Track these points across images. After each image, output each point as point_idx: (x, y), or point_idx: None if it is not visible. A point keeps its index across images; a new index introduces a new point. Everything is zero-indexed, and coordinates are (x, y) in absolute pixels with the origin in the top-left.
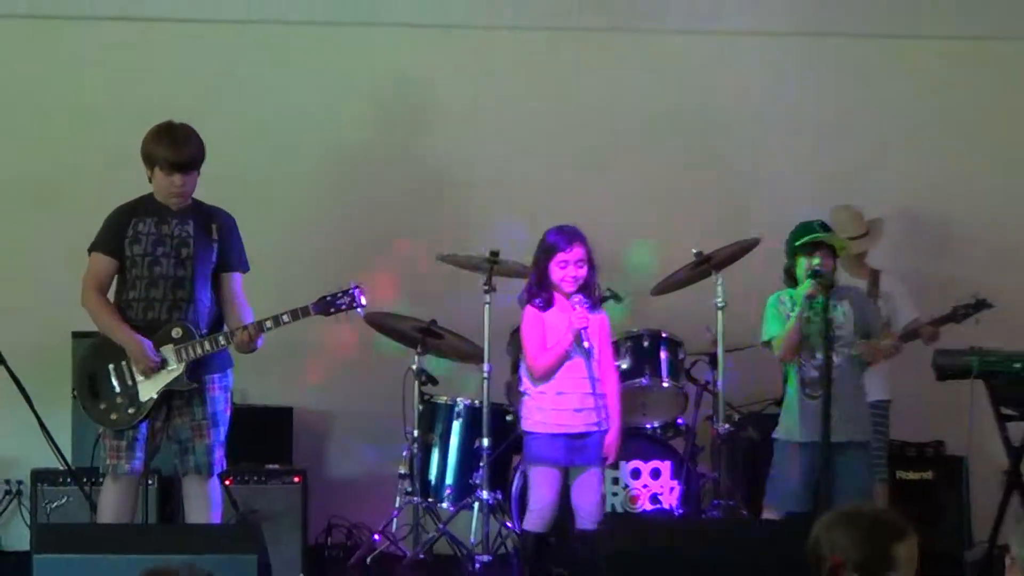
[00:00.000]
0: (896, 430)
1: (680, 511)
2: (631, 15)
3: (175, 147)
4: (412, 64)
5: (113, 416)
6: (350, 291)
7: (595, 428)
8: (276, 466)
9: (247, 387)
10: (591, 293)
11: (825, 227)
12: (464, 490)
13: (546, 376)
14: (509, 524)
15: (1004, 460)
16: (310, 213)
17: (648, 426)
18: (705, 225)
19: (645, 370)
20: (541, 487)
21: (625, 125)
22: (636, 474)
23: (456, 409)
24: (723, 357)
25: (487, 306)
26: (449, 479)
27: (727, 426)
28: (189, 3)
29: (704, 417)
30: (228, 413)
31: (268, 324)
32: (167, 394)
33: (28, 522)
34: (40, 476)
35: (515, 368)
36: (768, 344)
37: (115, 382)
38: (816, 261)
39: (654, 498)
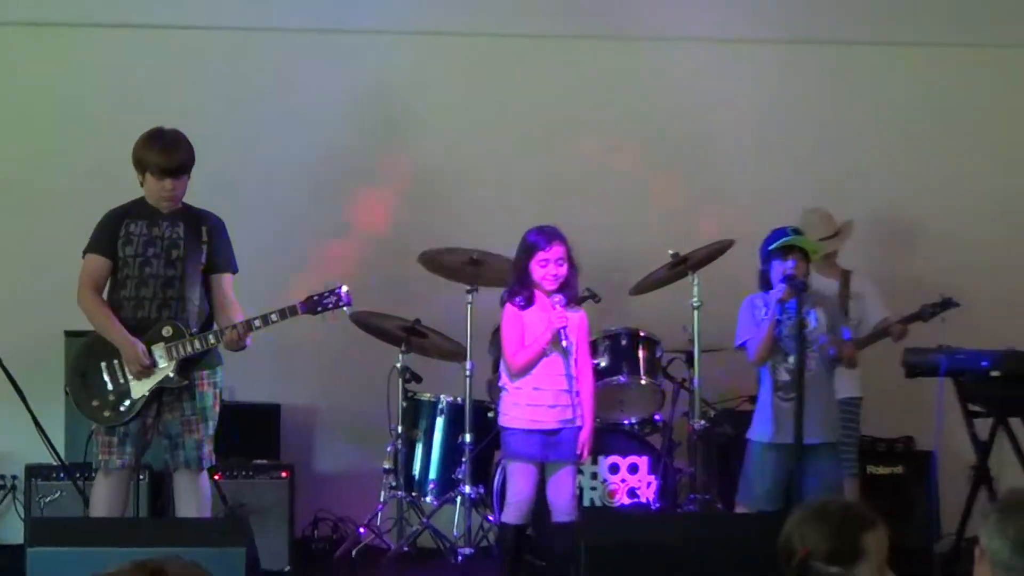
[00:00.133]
0: (867, 426)
1: (657, 505)
2: (612, 23)
3: (165, 153)
4: (394, 70)
5: (105, 413)
6: (336, 290)
7: (569, 425)
8: (264, 461)
9: (236, 385)
10: (571, 292)
11: (797, 232)
12: (447, 485)
13: (523, 372)
14: (491, 518)
15: (971, 455)
16: (297, 216)
17: (626, 422)
18: (682, 226)
19: (623, 367)
20: (518, 482)
21: (607, 130)
22: (614, 469)
23: (439, 406)
24: (699, 355)
25: (469, 306)
26: (432, 474)
27: (703, 422)
28: (181, 10)
29: (680, 413)
30: (217, 409)
31: (257, 323)
32: (158, 391)
33: (22, 516)
34: (34, 471)
35: (496, 366)
36: (742, 347)
37: (107, 380)
38: (790, 265)
39: (632, 492)
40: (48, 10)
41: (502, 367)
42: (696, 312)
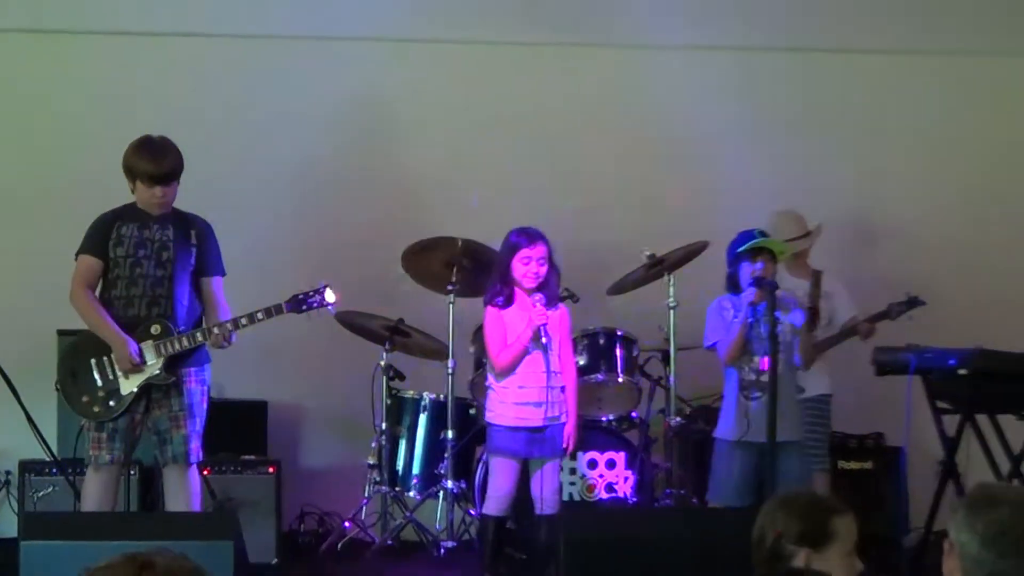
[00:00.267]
0: (838, 423)
1: (634, 499)
2: (600, 32)
3: (155, 161)
4: (385, 77)
5: (95, 409)
6: (321, 290)
7: (554, 422)
8: (252, 457)
9: (224, 382)
10: (550, 292)
11: (764, 234)
12: (430, 480)
13: (508, 371)
14: (473, 512)
15: (939, 451)
16: (284, 219)
17: (604, 419)
18: (658, 229)
19: (601, 366)
20: (500, 476)
21: (586, 136)
22: (593, 464)
23: (422, 403)
24: (675, 354)
25: (451, 306)
26: (416, 469)
27: (679, 419)
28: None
29: (657, 410)
30: (205, 406)
31: (243, 321)
32: (146, 387)
33: (16, 510)
34: (27, 467)
35: (478, 364)
36: (712, 348)
37: (97, 376)
38: (758, 267)
39: (609, 487)
40: (45, 17)
41: (487, 367)
42: (672, 312)
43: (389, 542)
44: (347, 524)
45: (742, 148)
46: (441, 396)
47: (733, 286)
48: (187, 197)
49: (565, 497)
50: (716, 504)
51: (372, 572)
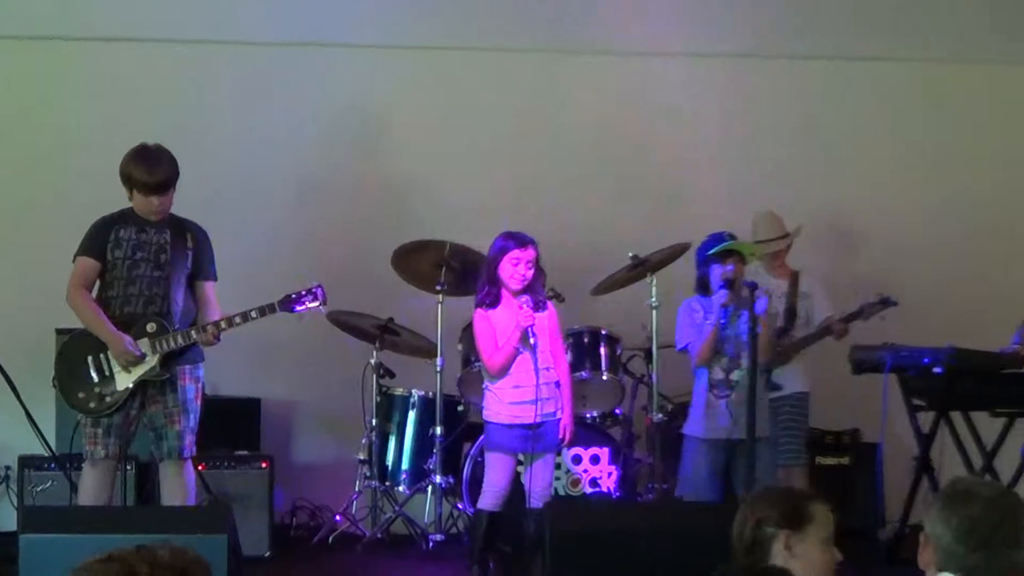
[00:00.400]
0: (815, 419)
1: (618, 494)
2: (582, 37)
3: (150, 171)
4: (369, 82)
5: (91, 404)
6: (313, 290)
7: (549, 417)
8: (245, 452)
9: (219, 380)
10: (535, 294)
11: (733, 236)
12: (419, 474)
13: (501, 372)
14: (460, 505)
15: (914, 447)
16: (277, 222)
17: (588, 415)
18: (641, 231)
19: (586, 364)
20: (496, 472)
21: (572, 141)
22: (577, 460)
23: (411, 400)
24: (657, 352)
25: (440, 305)
26: (405, 464)
27: (660, 416)
28: (167, 25)
29: (639, 407)
30: (198, 402)
31: (237, 320)
32: (141, 384)
33: (16, 504)
34: (26, 462)
35: (466, 362)
36: (684, 350)
37: (93, 373)
38: (729, 269)
39: (594, 482)
40: (36, 25)
41: (478, 367)
42: (654, 312)
43: (379, 535)
44: (338, 518)
45: (724, 152)
46: (430, 393)
47: (703, 288)
48: (181, 202)
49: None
50: (685, 498)
51: (362, 564)
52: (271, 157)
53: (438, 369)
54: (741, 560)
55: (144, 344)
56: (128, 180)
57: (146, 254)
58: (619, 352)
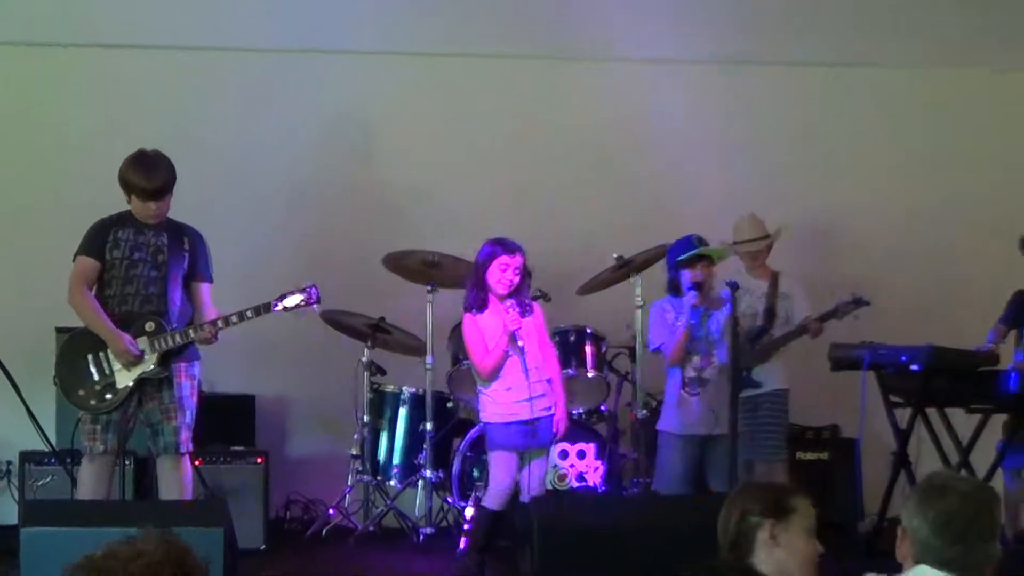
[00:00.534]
0: (795, 415)
1: (603, 488)
2: (566, 44)
3: (147, 177)
4: (361, 89)
5: (91, 401)
6: (306, 290)
7: (546, 414)
8: (241, 448)
9: (214, 377)
10: (521, 299)
11: (702, 241)
12: (410, 469)
13: (492, 375)
14: (450, 499)
15: (892, 442)
16: (273, 225)
17: (575, 412)
18: (626, 232)
19: (572, 362)
20: (500, 471)
21: (561, 146)
22: (564, 455)
23: (402, 397)
24: (641, 350)
25: (429, 305)
26: (396, 459)
27: (645, 412)
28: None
29: (624, 404)
30: (195, 400)
31: (233, 319)
32: (140, 382)
33: (17, 498)
34: (27, 457)
35: (455, 361)
36: (658, 351)
37: (93, 370)
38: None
39: (580, 476)
40: (37, 31)
41: (465, 366)
42: (639, 311)
43: (371, 528)
44: (331, 511)
45: (721, 158)
46: (420, 390)
47: (674, 289)
48: (181, 205)
49: None
50: (661, 492)
51: (355, 557)
52: (270, 162)
53: (428, 367)
54: (725, 554)
55: (143, 343)
56: (126, 185)
57: (144, 255)
58: (604, 350)
